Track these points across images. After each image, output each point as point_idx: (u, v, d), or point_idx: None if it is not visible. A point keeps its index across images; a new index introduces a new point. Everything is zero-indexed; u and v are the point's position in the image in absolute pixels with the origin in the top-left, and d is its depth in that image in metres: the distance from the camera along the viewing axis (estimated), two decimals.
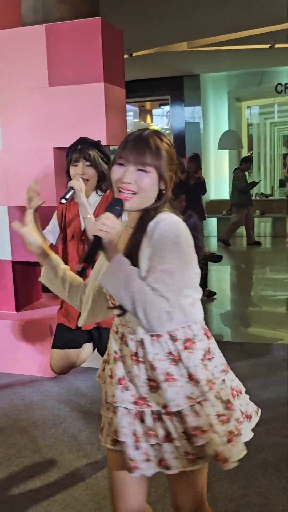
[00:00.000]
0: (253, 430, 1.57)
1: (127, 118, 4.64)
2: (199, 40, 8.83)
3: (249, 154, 14.43)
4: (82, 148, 2.64)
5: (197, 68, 11.15)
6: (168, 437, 1.54)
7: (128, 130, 4.27)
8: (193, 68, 11.04)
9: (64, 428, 3.15)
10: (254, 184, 10.28)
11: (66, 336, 2.82)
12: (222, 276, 7.67)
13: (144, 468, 1.56)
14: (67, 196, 2.55)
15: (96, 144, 2.69)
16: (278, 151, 20.11)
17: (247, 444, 2.78)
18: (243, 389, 1.69)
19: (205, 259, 5.45)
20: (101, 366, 1.77)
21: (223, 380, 1.62)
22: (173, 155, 1.56)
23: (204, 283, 6.04)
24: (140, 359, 1.56)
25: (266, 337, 4.85)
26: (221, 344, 5.10)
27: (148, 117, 15.66)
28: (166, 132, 13.71)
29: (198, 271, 1.58)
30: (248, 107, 14.74)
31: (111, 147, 4.00)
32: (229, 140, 11.51)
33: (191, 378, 1.55)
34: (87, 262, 1.41)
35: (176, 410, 1.53)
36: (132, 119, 14.88)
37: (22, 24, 4.33)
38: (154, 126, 14.99)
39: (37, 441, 3.03)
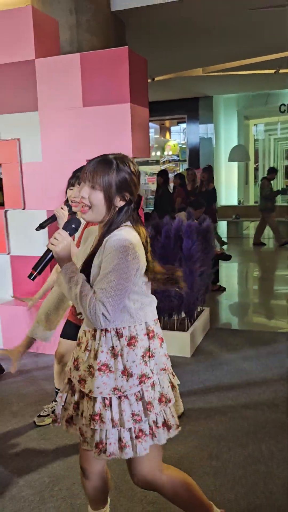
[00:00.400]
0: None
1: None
2: (213, 66, 8.77)
3: (255, 166, 14.29)
4: (80, 175, 2.58)
5: (211, 91, 11.07)
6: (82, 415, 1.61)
7: (150, 145, 4.25)
8: (207, 90, 10.97)
9: None
10: (278, 192, 10.17)
11: (73, 330, 2.79)
12: (231, 272, 7.61)
13: (64, 425, 1.68)
14: (44, 224, 2.39)
15: None
16: (281, 163, 19.85)
17: (254, 419, 2.76)
18: (173, 400, 1.64)
19: (216, 258, 5.41)
20: None
21: (153, 384, 1.58)
22: (131, 180, 1.56)
23: (216, 278, 6.01)
24: (88, 348, 1.60)
25: (269, 326, 4.80)
26: (230, 331, 5.05)
27: (167, 134, 15.58)
28: (183, 146, 13.65)
29: (147, 279, 1.60)
30: (254, 124, 14.59)
31: (135, 159, 3.99)
32: (238, 154, 11.41)
33: (124, 372, 1.54)
34: (35, 269, 1.53)
35: (95, 396, 1.55)
36: (153, 135, 14.84)
37: (60, 53, 4.35)
38: (172, 142, 14.91)
39: None
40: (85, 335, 1.64)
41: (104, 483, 1.81)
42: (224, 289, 6.07)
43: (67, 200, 2.63)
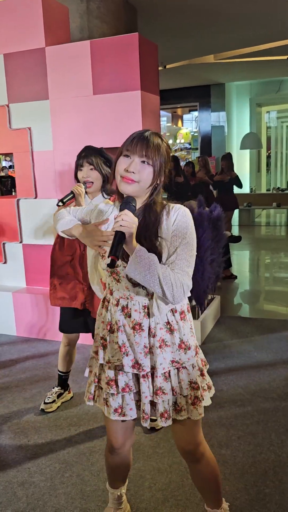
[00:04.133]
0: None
1: (161, 122, 4.54)
2: (225, 53, 8.59)
3: (267, 154, 14.06)
4: (86, 154, 2.56)
5: (223, 78, 10.88)
6: (157, 393, 1.57)
7: (161, 132, 4.17)
8: (219, 77, 10.78)
9: None
10: None
11: (72, 319, 2.79)
12: (242, 260, 7.52)
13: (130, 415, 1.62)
14: (64, 200, 2.46)
15: (99, 151, 2.60)
16: None
17: (264, 407, 2.69)
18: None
19: (227, 241, 5.32)
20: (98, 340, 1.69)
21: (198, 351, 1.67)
22: (170, 155, 1.54)
23: (228, 264, 5.94)
24: (143, 328, 1.55)
25: (280, 314, 4.73)
26: (240, 319, 4.98)
27: (179, 121, 15.39)
28: (195, 134, 13.48)
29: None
30: (267, 112, 14.31)
31: None
32: (250, 141, 11.22)
33: (181, 346, 1.57)
34: (115, 255, 1.34)
35: (162, 372, 1.56)
36: (165, 123, 14.67)
37: (70, 41, 4.26)
38: (184, 129, 14.73)
39: (81, 397, 3.04)
40: (129, 317, 1.55)
41: (128, 462, 1.86)
42: (235, 277, 6.00)
43: (78, 181, 2.62)
